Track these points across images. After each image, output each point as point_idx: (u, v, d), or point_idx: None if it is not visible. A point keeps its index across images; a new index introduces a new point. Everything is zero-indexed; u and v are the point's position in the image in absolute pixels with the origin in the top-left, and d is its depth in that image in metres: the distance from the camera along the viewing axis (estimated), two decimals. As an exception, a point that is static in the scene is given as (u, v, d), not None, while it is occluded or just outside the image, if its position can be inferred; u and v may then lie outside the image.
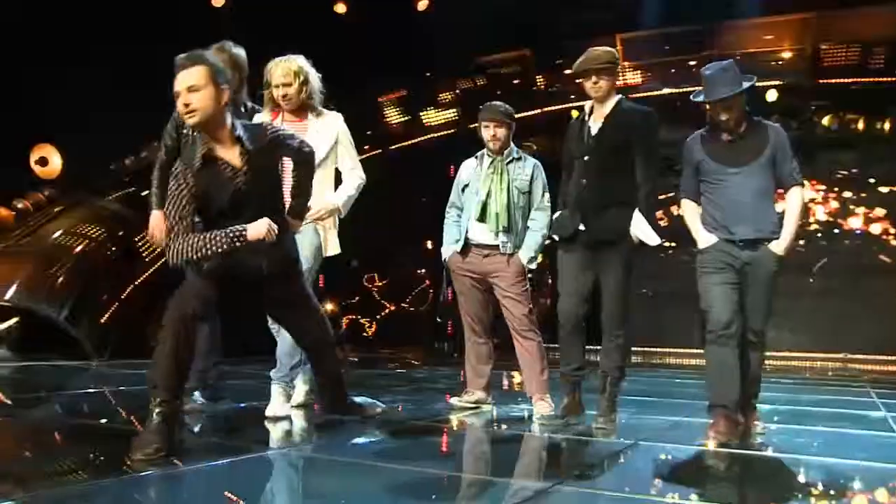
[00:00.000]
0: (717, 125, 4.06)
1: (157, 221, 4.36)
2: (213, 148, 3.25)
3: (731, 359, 3.95)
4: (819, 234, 11.64)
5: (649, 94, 11.27)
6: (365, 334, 14.39)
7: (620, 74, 4.42)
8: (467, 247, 4.85)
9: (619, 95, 4.32)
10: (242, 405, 4.81)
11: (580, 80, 4.29)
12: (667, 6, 10.68)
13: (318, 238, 4.37)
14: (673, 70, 11.55)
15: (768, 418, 4.81)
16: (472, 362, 5.05)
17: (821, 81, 10.98)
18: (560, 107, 12.07)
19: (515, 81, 12.47)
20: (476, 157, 5.01)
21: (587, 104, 4.34)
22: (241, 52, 4.48)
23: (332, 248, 4.47)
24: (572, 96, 11.82)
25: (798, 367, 10.58)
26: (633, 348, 11.48)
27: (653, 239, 4.11)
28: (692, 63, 11.08)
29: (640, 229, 4.12)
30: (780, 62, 11.12)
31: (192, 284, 3.24)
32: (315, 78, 4.39)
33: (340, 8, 11.93)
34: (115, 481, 2.69)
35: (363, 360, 10.27)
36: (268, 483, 2.94)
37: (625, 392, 4.50)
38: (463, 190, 4.98)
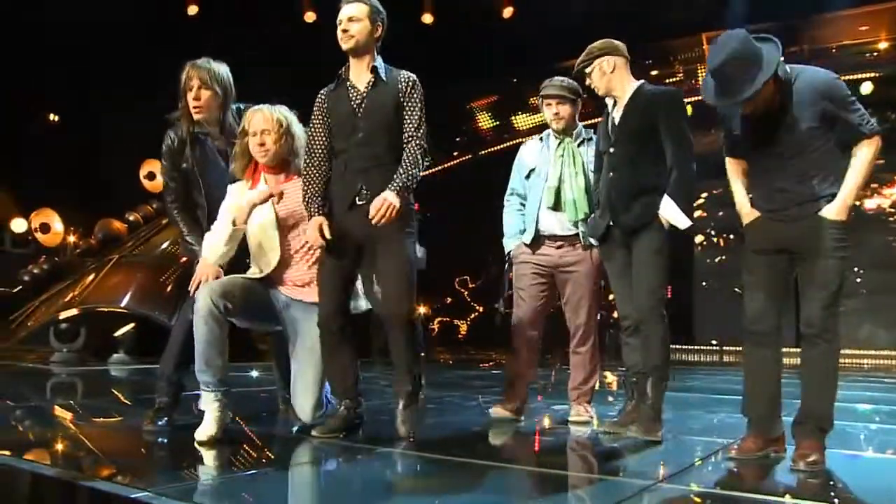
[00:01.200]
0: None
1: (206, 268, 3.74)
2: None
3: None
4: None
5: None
6: (457, 336, 14.63)
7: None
8: (538, 238, 4.39)
9: (641, 81, 3.94)
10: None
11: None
12: (756, 2, 10.54)
13: None
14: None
15: (868, 418, 4.64)
16: (515, 370, 4.48)
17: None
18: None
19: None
20: (540, 139, 4.56)
21: (609, 100, 3.98)
22: (221, 67, 4.00)
23: None
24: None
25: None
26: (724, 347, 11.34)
27: (682, 222, 3.68)
28: (782, 59, 10.88)
29: (668, 211, 3.70)
30: (874, 53, 10.83)
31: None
32: (301, 134, 3.83)
33: (427, 18, 12.24)
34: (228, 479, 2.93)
35: (457, 361, 10.43)
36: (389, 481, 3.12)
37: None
38: (528, 176, 4.50)
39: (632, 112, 3.85)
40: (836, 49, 11.11)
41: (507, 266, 4.57)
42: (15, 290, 10.18)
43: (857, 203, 11.28)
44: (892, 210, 11.33)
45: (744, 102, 3.14)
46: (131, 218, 11.40)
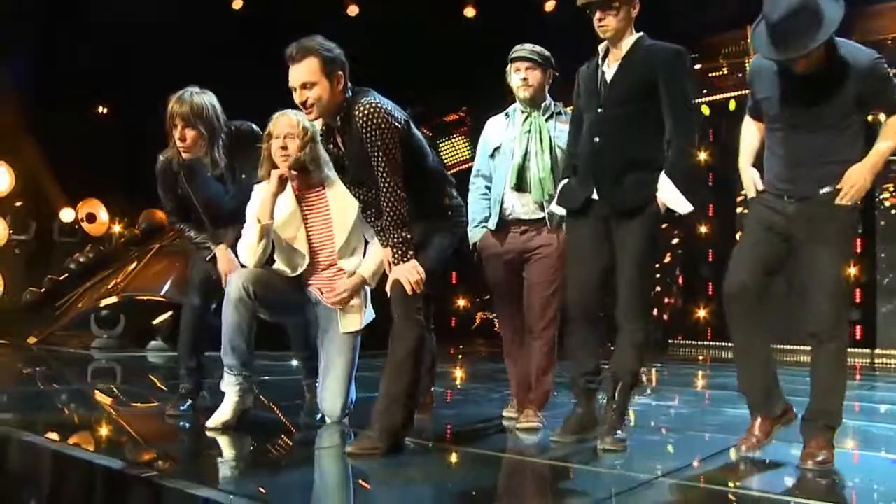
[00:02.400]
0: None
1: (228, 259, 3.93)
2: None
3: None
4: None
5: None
6: (494, 329, 14.61)
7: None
8: (503, 225, 3.97)
9: (640, 33, 3.42)
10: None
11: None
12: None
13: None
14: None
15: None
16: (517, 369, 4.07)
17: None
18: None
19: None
20: (506, 115, 4.12)
21: (601, 46, 3.47)
22: (205, 99, 3.88)
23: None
24: (704, 91, 11.66)
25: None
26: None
27: (683, 206, 3.26)
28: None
29: (667, 193, 3.26)
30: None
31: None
32: (321, 146, 3.62)
33: (470, 12, 12.22)
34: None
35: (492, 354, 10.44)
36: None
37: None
38: (493, 155, 4.09)
39: (629, 68, 3.36)
40: (891, 41, 10.84)
41: (475, 257, 4.14)
42: (62, 278, 10.40)
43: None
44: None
45: (798, 60, 2.92)
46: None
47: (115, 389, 5.40)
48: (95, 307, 8.76)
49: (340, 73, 3.14)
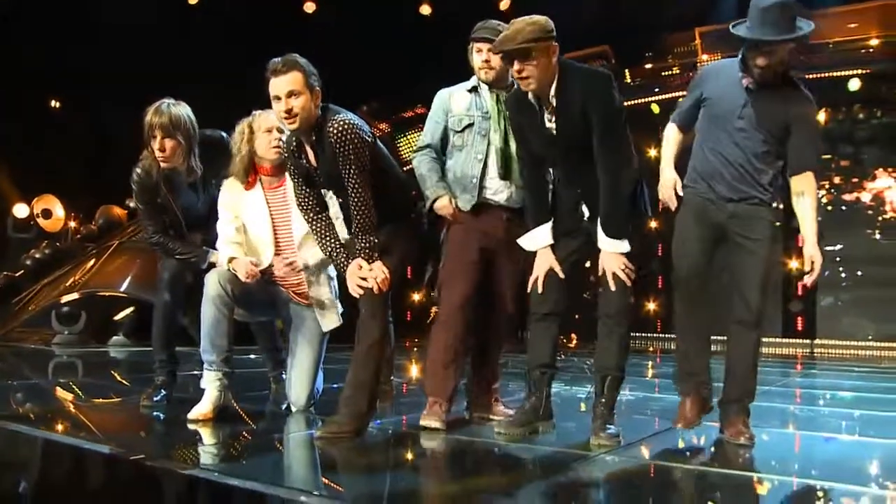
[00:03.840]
0: (749, 69, 3.31)
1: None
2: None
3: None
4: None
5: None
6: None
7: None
8: (482, 205, 3.72)
9: (561, 63, 3.26)
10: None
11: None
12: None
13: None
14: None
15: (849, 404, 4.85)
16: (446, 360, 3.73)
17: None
18: (644, 100, 12.11)
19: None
20: (472, 90, 3.83)
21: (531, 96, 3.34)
22: (181, 110, 4.03)
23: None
24: (656, 89, 11.99)
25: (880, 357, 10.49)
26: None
27: (622, 248, 3.28)
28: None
29: (604, 243, 3.28)
30: (865, 50, 11.00)
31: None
32: None
33: (426, 9, 12.39)
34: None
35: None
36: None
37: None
38: (462, 130, 3.77)
39: (567, 115, 3.26)
40: (827, 45, 11.29)
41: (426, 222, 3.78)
42: (17, 275, 10.37)
43: (842, 198, 11.54)
44: (873, 204, 11.52)
45: (774, 49, 3.20)
46: (131, 204, 11.53)
47: (73, 384, 5.51)
48: (56, 303, 8.79)
49: (318, 89, 3.33)
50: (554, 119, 3.29)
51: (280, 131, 3.74)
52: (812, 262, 3.28)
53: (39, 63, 10.86)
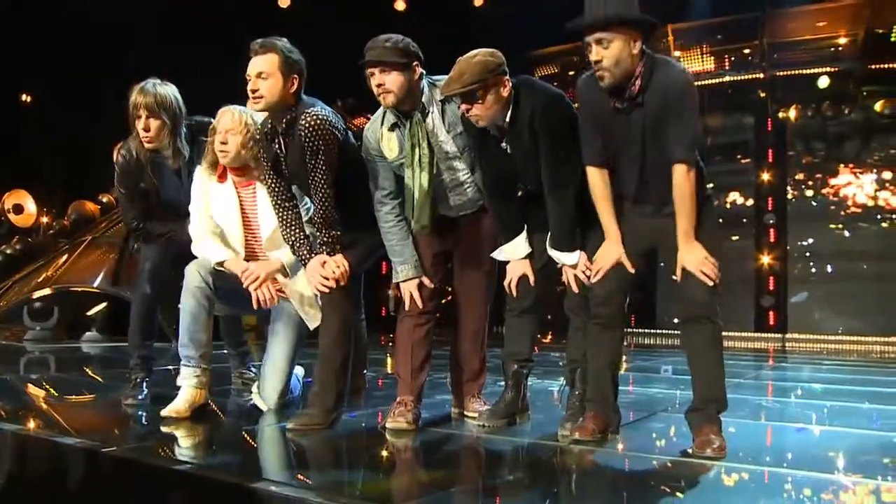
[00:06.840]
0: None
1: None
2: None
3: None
4: (878, 218, 11.62)
5: (702, 83, 11.44)
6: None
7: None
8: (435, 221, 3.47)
9: (512, 92, 3.17)
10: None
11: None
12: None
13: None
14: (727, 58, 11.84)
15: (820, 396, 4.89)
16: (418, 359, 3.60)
17: (873, 67, 11.02)
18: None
19: (571, 73, 12.71)
20: (391, 129, 3.45)
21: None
22: (167, 90, 3.95)
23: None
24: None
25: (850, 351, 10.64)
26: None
27: (570, 260, 3.23)
28: (747, 51, 11.56)
29: (556, 256, 3.27)
30: (833, 48, 11.20)
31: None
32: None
33: (400, 5, 12.38)
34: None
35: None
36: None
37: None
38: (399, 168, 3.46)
39: (520, 136, 3.20)
40: (797, 43, 11.49)
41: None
42: (-13, 270, 10.28)
43: (812, 194, 11.76)
44: (837, 200, 11.71)
45: (594, 36, 2.91)
46: (104, 200, 11.46)
47: (45, 380, 5.45)
48: (28, 299, 8.70)
49: (296, 76, 3.30)
50: (506, 141, 3.26)
51: (230, 133, 3.66)
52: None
53: (10, 57, 10.74)
